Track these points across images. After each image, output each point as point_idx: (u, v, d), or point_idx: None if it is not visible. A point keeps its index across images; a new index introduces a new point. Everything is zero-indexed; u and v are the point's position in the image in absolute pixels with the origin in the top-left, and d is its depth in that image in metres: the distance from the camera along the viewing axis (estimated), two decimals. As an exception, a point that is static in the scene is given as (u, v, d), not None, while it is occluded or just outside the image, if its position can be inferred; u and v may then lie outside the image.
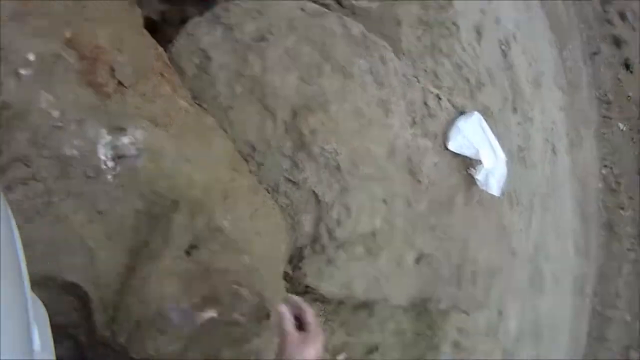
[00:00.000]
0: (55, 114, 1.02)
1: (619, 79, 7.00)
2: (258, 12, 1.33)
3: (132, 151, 1.03)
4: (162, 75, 1.22)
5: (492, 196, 2.22)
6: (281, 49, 1.29)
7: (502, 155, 2.11)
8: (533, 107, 3.36)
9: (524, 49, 3.33)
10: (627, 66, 7.27)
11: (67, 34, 1.16)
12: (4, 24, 1.11)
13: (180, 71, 1.30)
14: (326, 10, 1.45)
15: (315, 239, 1.54)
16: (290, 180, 1.36)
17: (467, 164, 2.03)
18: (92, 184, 1.02)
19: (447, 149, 1.86)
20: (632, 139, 6.60)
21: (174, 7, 1.61)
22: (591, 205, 5.25)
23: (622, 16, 8.13)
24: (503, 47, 2.90)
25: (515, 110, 2.93)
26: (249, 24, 1.30)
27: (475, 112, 1.96)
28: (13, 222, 0.59)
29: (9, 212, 0.59)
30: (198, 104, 1.27)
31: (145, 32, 1.33)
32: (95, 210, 1.03)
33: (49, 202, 1.01)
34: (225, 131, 1.27)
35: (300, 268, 1.59)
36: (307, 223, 1.48)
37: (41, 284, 1.00)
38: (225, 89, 1.27)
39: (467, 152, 1.93)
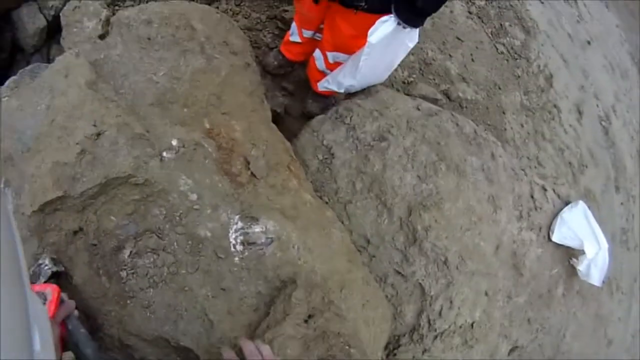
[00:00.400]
0: (193, 197, 1.16)
1: None
2: (379, 112, 1.45)
3: (262, 239, 1.15)
4: (289, 169, 1.37)
5: (592, 285, 2.13)
6: (400, 149, 1.39)
7: (605, 244, 2.03)
8: (636, 182, 3.19)
9: (624, 122, 3.22)
10: None
11: (207, 124, 1.35)
12: (149, 108, 1.32)
13: (304, 164, 1.44)
14: (439, 108, 1.54)
15: (414, 328, 1.57)
16: (399, 273, 1.42)
17: (570, 254, 1.98)
18: (220, 263, 1.13)
19: (550, 240, 1.84)
20: None
21: (295, 101, 1.80)
22: None
23: None
24: (604, 123, 2.83)
25: (618, 189, 2.81)
26: (370, 124, 1.43)
27: (580, 202, 1.93)
28: (13, 222, 0.58)
29: (9, 212, 0.59)
30: (319, 197, 1.39)
31: (274, 126, 1.50)
32: (219, 286, 1.13)
33: (176, 272, 1.14)
34: (343, 223, 1.37)
35: (395, 354, 1.61)
36: (409, 313, 1.52)
37: (156, 343, 1.12)
38: (345, 185, 1.38)
39: (570, 243, 1.89)
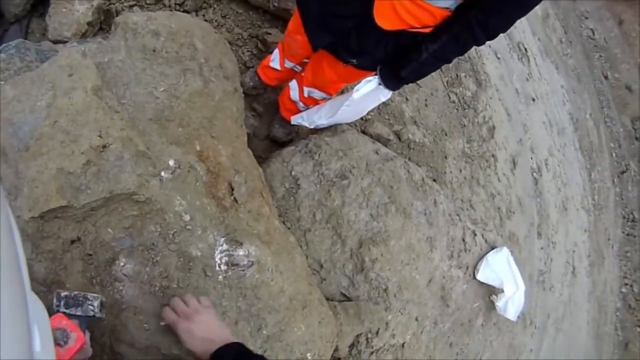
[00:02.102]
0: (187, 217, 1.35)
1: None
2: (343, 152, 1.77)
3: (245, 262, 1.39)
4: (262, 195, 1.63)
5: (508, 320, 2.59)
6: (358, 188, 1.71)
7: (522, 286, 2.49)
8: (557, 230, 3.78)
9: (554, 175, 3.81)
10: None
11: (198, 147, 1.51)
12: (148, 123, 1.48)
13: (272, 190, 1.72)
14: (394, 154, 1.89)
15: (353, 344, 1.89)
16: (344, 295, 1.74)
17: (491, 291, 2.41)
18: (207, 280, 1.34)
19: (475, 278, 2.25)
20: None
21: (262, 123, 2.06)
22: (607, 325, 5.51)
23: None
24: (535, 174, 3.37)
25: (540, 235, 3.34)
26: (335, 162, 1.74)
27: (504, 248, 2.36)
28: (13, 222, 0.60)
29: (9, 212, 0.61)
30: (283, 222, 1.68)
31: (250, 152, 1.74)
32: None
33: (168, 286, 1.31)
34: (301, 248, 1.66)
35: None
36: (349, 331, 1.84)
37: (147, 351, 1.28)
38: (307, 214, 1.67)
39: (492, 282, 2.31)
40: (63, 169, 1.20)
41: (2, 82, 1.39)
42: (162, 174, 1.35)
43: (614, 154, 6.72)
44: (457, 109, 2.59)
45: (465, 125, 2.59)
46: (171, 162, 1.39)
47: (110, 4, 2.25)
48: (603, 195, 5.74)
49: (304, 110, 1.97)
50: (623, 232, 6.49)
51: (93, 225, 1.26)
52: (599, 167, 5.74)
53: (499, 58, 3.65)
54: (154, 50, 1.57)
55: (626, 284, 6.18)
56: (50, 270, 1.23)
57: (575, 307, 4.47)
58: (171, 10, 2.34)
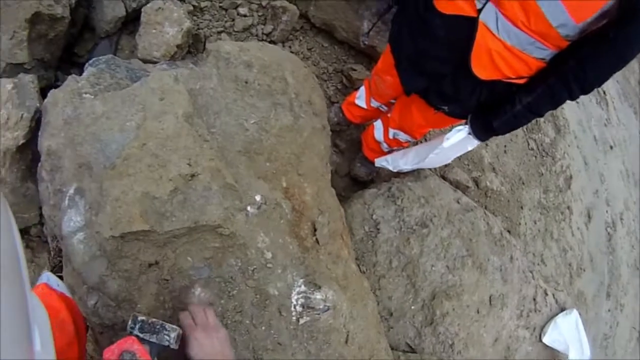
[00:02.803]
0: (268, 255, 1.36)
1: None
2: (425, 199, 1.78)
3: (321, 306, 1.42)
4: (342, 238, 1.66)
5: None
6: (438, 239, 1.72)
7: (587, 353, 2.41)
8: (627, 292, 3.61)
9: (628, 231, 3.65)
10: None
11: (284, 183, 1.52)
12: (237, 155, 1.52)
13: (351, 231, 1.75)
14: (475, 205, 1.89)
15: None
16: (409, 346, 1.75)
17: (555, 355, 2.35)
18: (281, 320, 1.36)
19: (541, 340, 2.20)
20: None
21: (344, 160, 2.11)
22: None
23: None
24: (609, 229, 3.24)
25: (609, 295, 3.21)
26: (417, 209, 1.75)
27: (574, 311, 2.30)
28: (13, 222, 0.61)
29: (9, 212, 0.62)
30: (358, 265, 1.71)
31: (334, 191, 1.76)
32: (277, 341, 1.36)
33: (241, 321, 1.34)
34: (374, 293, 1.69)
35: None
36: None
37: None
38: (384, 260, 1.70)
39: (558, 346, 2.25)
40: (149, 193, 1.22)
41: (92, 97, 1.45)
42: (248, 208, 1.38)
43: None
44: (535, 157, 2.55)
45: (542, 174, 2.54)
46: (258, 197, 1.41)
47: (199, 29, 2.36)
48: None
49: (387, 151, 2.00)
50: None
51: (173, 251, 1.27)
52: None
53: (577, 102, 3.56)
54: (246, 82, 1.61)
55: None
56: (123, 289, 1.26)
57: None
58: (258, 39, 2.43)
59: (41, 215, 2.04)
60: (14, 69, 1.93)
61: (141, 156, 1.27)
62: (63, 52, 2.18)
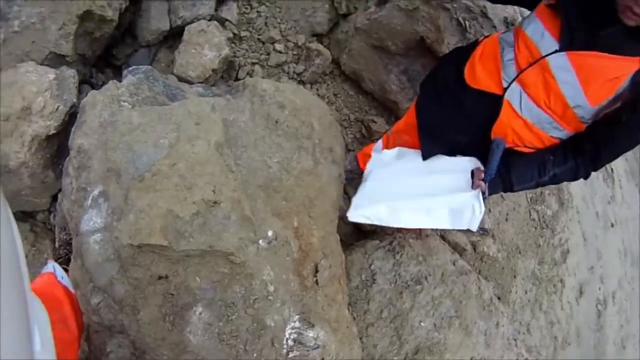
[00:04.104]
0: (271, 288, 1.43)
1: None
2: (423, 257, 1.85)
3: (312, 343, 1.48)
4: (340, 282, 1.73)
5: None
6: (429, 297, 1.78)
7: None
8: (610, 368, 3.58)
9: (619, 309, 3.64)
10: None
11: (295, 223, 1.58)
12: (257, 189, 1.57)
13: (347, 277, 1.82)
14: (469, 268, 1.95)
15: None
16: (389, 395, 1.79)
17: None
18: (273, 351, 1.42)
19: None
20: None
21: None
22: None
23: None
24: (599, 306, 3.25)
25: (592, 372, 3.20)
26: (414, 266, 1.82)
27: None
28: (13, 222, 0.60)
29: (9, 212, 0.61)
30: (350, 310, 1.77)
31: (338, 238, 1.83)
32: None
33: (235, 345, 1.39)
34: (360, 340, 1.74)
35: None
36: None
37: None
38: (375, 309, 1.76)
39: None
40: (172, 211, 1.29)
41: (130, 106, 1.53)
42: (260, 242, 1.44)
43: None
44: (535, 227, 2.61)
45: (540, 245, 2.59)
46: (270, 233, 1.48)
47: (235, 57, 2.45)
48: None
49: None
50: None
51: (184, 269, 1.34)
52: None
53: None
54: (277, 122, 1.68)
55: None
56: (130, 295, 1.32)
57: None
58: (289, 77, 2.53)
59: (52, 203, 2.13)
60: (56, 59, 1.99)
61: (170, 174, 1.35)
62: (103, 51, 2.25)
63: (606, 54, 1.28)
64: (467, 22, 2.17)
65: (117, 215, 1.32)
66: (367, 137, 2.42)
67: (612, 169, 4.35)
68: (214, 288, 1.38)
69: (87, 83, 2.20)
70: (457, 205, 1.53)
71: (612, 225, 3.91)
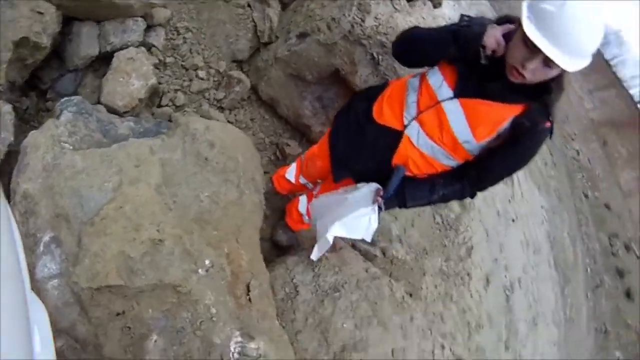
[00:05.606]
0: (213, 310, 1.55)
1: (619, 308, 7.61)
2: (339, 268, 2.08)
3: (254, 354, 1.60)
4: (268, 298, 1.91)
5: None
6: (347, 301, 2.00)
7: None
8: (525, 344, 3.96)
9: (526, 292, 4.07)
10: (628, 295, 7.94)
11: (226, 250, 1.72)
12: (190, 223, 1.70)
13: (273, 292, 2.00)
14: (381, 274, 2.20)
15: None
16: (324, 393, 1.97)
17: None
18: None
19: (441, 387, 2.47)
20: (630, 365, 6.95)
21: (267, 225, 2.36)
22: None
23: (627, 248, 9.06)
24: (507, 292, 3.63)
25: (507, 348, 3.54)
26: (331, 276, 2.04)
27: (469, 363, 2.60)
28: (13, 223, 0.58)
29: (9, 212, 0.59)
30: (279, 321, 1.95)
31: (262, 258, 2.03)
32: None
33: None
34: (292, 346, 1.92)
35: None
36: None
37: None
38: (301, 317, 1.95)
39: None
40: (124, 252, 1.39)
41: (71, 148, 1.58)
42: (200, 271, 1.58)
43: (589, 270, 6.96)
44: (440, 230, 2.93)
45: (445, 245, 2.91)
46: (207, 262, 1.62)
47: (159, 83, 2.39)
48: (575, 310, 5.92)
49: (306, 221, 2.28)
50: (596, 344, 6.56)
51: (137, 303, 1.43)
52: (574, 282, 5.97)
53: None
54: (206, 159, 1.81)
55: (598, 396, 6.17)
56: (92, 334, 1.40)
57: None
58: (209, 104, 2.55)
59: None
60: (-15, 87, 1.80)
61: (117, 217, 1.45)
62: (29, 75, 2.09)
63: (491, 102, 1.52)
64: (379, 57, 2.32)
65: (73, 261, 1.39)
66: (282, 160, 2.57)
67: (510, 171, 4.86)
68: (165, 317, 1.50)
69: (18, 110, 1.98)
70: (358, 216, 1.76)
71: (513, 221, 4.38)
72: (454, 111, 1.59)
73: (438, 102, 1.61)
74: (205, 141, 1.85)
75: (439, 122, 1.62)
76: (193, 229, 1.67)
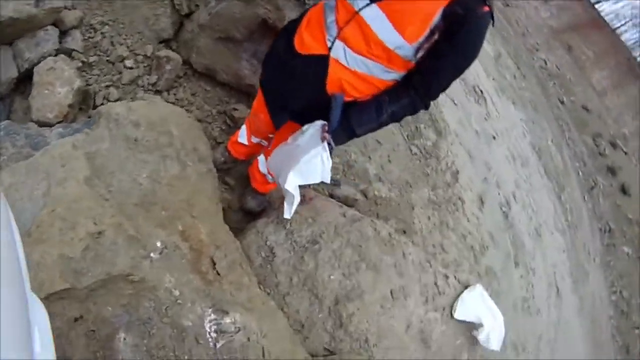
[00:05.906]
0: (176, 293, 1.47)
1: (618, 205, 7.64)
2: (312, 219, 1.89)
3: (232, 329, 1.48)
4: (241, 267, 1.73)
5: (494, 351, 2.64)
6: (329, 251, 1.82)
7: (500, 317, 2.56)
8: (534, 256, 3.86)
9: (523, 205, 3.94)
10: (624, 191, 7.98)
11: (180, 227, 1.63)
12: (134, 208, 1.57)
13: (249, 260, 1.82)
14: (362, 215, 2.01)
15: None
16: (328, 350, 1.81)
17: (471, 327, 2.48)
18: (200, 348, 1.43)
19: (453, 317, 2.32)
20: (639, 258, 7.03)
21: (234, 195, 2.18)
22: (604, 334, 5.47)
23: (614, 145, 9.07)
24: (504, 208, 3.50)
25: (517, 264, 3.43)
26: (306, 229, 1.85)
27: (478, 285, 2.45)
28: (13, 223, 0.59)
29: (9, 212, 0.60)
30: (262, 288, 1.77)
31: (227, 227, 1.85)
32: None
33: (165, 355, 1.40)
34: (282, 311, 1.75)
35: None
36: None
37: None
38: (284, 279, 1.77)
39: (470, 319, 2.38)
40: (64, 254, 1.33)
41: None
42: (152, 254, 1.49)
43: (580, 173, 6.92)
44: (419, 160, 2.75)
45: (428, 174, 2.74)
46: (158, 244, 1.52)
47: (87, 85, 2.34)
48: (576, 214, 5.87)
49: (271, 180, 2.09)
50: (602, 244, 6.57)
51: (94, 304, 1.37)
52: (568, 188, 5.90)
53: (456, 104, 3.86)
54: (136, 140, 1.72)
55: (615, 292, 6.20)
56: (57, 347, 1.28)
57: (566, 326, 4.47)
58: (145, 90, 2.45)
59: None
60: None
61: (51, 221, 1.38)
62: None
63: None
64: (305, -5, 2.16)
65: (18, 274, 1.32)
66: (233, 126, 2.41)
67: (481, 90, 4.68)
68: (127, 311, 1.41)
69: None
70: (309, 159, 1.57)
71: (494, 138, 4.23)
72: (375, 17, 1.42)
73: (356, 13, 1.45)
74: (129, 123, 1.74)
75: (363, 34, 1.46)
76: (138, 214, 1.57)
